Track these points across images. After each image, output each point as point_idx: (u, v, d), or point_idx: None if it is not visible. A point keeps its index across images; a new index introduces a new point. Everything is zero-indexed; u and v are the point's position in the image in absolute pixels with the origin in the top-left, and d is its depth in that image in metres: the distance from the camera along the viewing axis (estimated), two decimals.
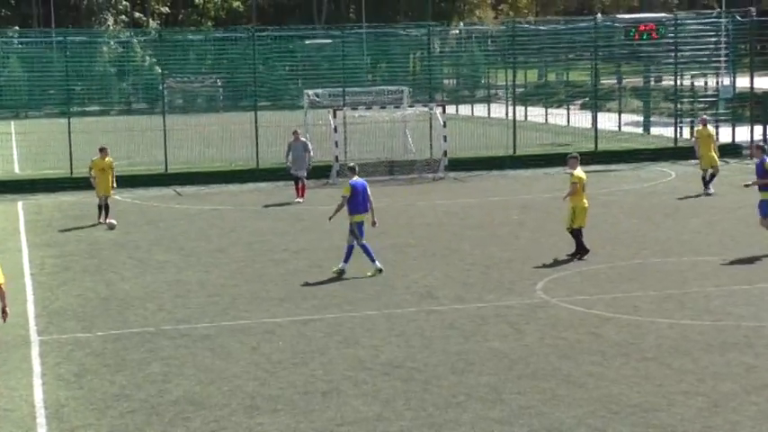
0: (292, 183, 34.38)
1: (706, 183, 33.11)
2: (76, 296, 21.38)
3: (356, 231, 22.35)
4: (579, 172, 23.38)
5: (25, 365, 16.57)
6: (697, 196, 32.36)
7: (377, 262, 22.35)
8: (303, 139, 35.58)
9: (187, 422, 13.75)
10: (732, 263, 22.89)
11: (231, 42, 51.95)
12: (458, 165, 40.19)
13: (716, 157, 33.61)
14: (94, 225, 29.50)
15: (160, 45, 50.35)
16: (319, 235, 27.11)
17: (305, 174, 34.61)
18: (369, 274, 22.18)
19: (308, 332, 18.08)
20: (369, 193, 22.59)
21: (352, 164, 24.41)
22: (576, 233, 23.19)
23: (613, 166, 40.80)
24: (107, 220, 29.14)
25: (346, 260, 22.35)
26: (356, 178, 22.65)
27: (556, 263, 22.85)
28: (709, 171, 33.21)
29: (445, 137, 39.78)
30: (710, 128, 35.27)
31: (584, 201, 23.31)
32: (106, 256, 25.54)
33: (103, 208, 29.85)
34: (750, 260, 23.04)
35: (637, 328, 17.77)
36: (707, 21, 50.93)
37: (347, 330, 18.12)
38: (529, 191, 35.48)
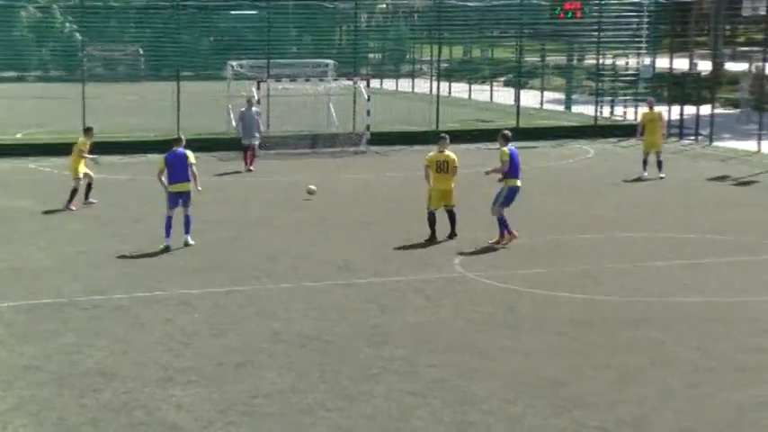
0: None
1: (647, 166, 32.34)
2: None
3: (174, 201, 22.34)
4: (432, 155, 22.96)
5: None
6: (635, 180, 31.98)
7: (188, 236, 22.42)
8: (255, 108, 35.50)
9: (98, 394, 13.53)
10: (647, 240, 23.17)
11: (154, 11, 51.36)
12: (381, 139, 40.17)
13: (660, 141, 32.87)
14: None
15: (81, 11, 49.48)
16: (244, 207, 27.01)
17: (257, 142, 34.70)
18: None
19: (224, 304, 17.97)
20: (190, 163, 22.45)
21: (179, 136, 24.74)
22: (431, 216, 22.82)
23: (534, 143, 40.99)
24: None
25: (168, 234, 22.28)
26: (177, 149, 22.65)
27: (474, 238, 22.87)
28: (654, 155, 32.38)
29: (369, 111, 39.74)
30: (657, 110, 34.31)
31: (440, 183, 22.68)
32: (19, 226, 25.06)
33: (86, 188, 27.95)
34: (664, 238, 23.34)
35: (551, 303, 17.93)
36: (630, 2, 51.40)
37: (263, 303, 18.04)
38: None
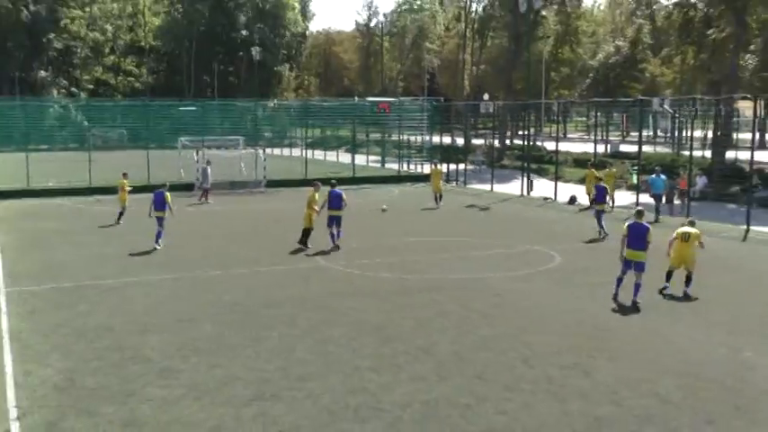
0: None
1: (436, 200, 32.08)
2: (30, 263, 20.07)
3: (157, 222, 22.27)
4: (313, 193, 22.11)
5: None
6: (433, 209, 31.36)
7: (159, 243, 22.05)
8: (207, 166, 35.18)
9: (102, 340, 13.10)
10: (433, 242, 23.35)
11: (132, 108, 50.08)
12: (272, 183, 39.73)
13: (441, 186, 32.78)
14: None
15: (87, 108, 47.97)
16: (190, 226, 26.37)
17: (209, 186, 34.70)
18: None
19: (180, 285, 17.48)
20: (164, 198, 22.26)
21: (164, 183, 24.31)
22: (306, 232, 22.04)
23: (364, 186, 41.19)
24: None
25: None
26: (159, 190, 22.59)
27: (331, 243, 22.75)
28: (438, 194, 32.27)
29: (265, 167, 39.33)
30: (439, 167, 34.74)
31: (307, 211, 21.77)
32: (47, 239, 24.03)
33: (123, 212, 27.50)
34: (443, 241, 23.58)
35: (375, 280, 17.95)
36: (417, 103, 52.27)
37: (203, 284, 17.63)
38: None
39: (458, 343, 12.96)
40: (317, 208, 21.91)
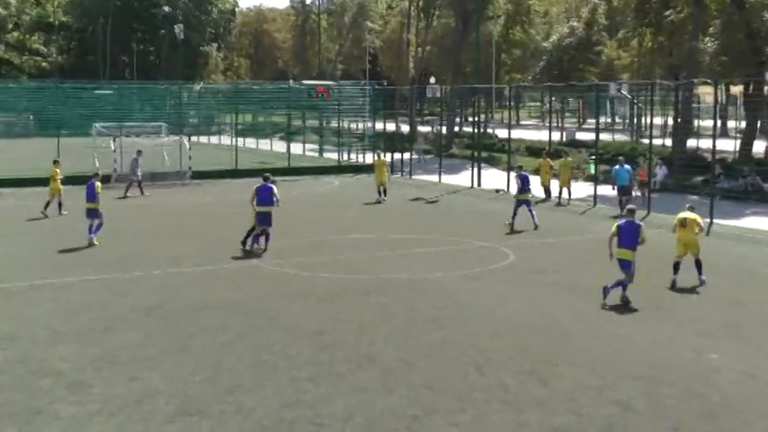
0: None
1: (380, 193, 31.70)
2: None
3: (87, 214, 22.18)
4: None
5: None
6: (377, 202, 31.27)
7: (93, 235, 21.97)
8: (137, 156, 34.48)
9: (4, 351, 12.62)
10: (376, 239, 23.30)
11: (40, 90, 48.76)
12: (198, 175, 39.27)
13: (386, 179, 32.09)
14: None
15: None
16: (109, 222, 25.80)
17: (139, 178, 33.97)
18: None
19: (93, 288, 17.03)
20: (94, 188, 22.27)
21: (96, 171, 24.00)
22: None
23: (300, 177, 40.96)
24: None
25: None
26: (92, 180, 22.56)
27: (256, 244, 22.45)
28: (382, 187, 31.78)
29: (190, 156, 38.79)
30: (383, 157, 34.06)
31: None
32: None
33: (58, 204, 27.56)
34: (386, 238, 23.57)
35: (312, 280, 17.79)
36: (358, 87, 52.14)
37: (120, 286, 17.20)
38: (245, 192, 34.84)
39: (404, 349, 12.88)
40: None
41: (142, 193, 33.67)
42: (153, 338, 13.41)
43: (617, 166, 29.27)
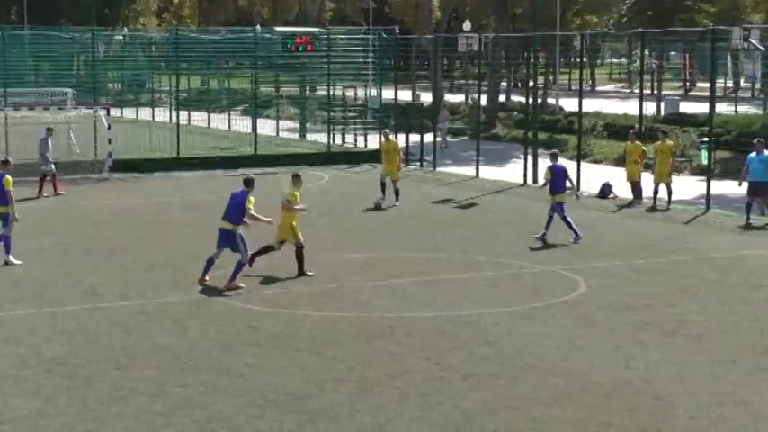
0: None
1: (383, 189, 31.90)
2: None
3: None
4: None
5: None
6: (376, 207, 31.44)
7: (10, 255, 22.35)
8: (47, 137, 34.62)
9: None
10: (379, 260, 23.48)
11: None
12: (123, 166, 39.56)
13: (395, 169, 32.52)
14: None
15: None
16: None
17: (53, 169, 34.14)
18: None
19: None
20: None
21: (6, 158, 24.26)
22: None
23: (271, 169, 40.94)
24: None
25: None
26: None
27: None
28: (388, 179, 32.09)
29: (110, 139, 39.02)
30: (394, 141, 34.53)
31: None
32: None
33: None
34: (396, 257, 23.73)
35: (292, 321, 17.96)
36: (356, 36, 52.28)
37: (9, 329, 17.37)
38: (192, 192, 35.31)
39: (425, 421, 13.02)
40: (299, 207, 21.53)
41: (56, 190, 34.02)
42: (57, 405, 13.55)
43: (753, 154, 28.71)
